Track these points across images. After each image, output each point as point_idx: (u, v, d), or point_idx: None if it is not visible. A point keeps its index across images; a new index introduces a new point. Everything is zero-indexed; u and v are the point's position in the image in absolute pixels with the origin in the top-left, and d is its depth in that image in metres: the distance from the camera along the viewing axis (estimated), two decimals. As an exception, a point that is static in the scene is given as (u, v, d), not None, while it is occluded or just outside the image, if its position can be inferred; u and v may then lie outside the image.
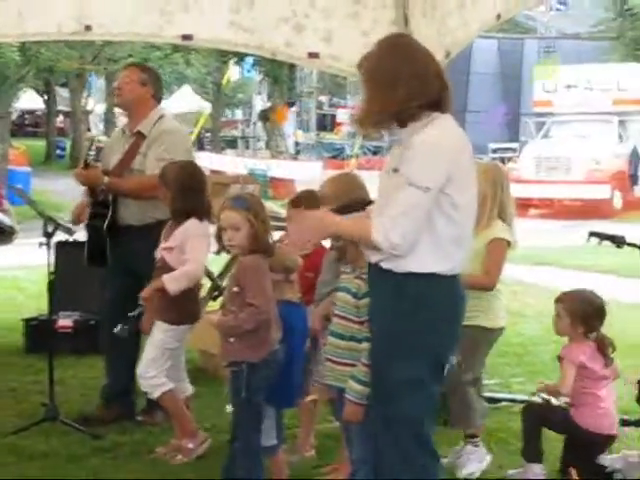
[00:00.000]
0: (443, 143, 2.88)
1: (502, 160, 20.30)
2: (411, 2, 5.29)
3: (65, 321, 6.03)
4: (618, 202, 16.91)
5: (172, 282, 4.19)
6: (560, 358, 4.00)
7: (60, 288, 6.10)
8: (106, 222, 4.62)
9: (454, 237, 2.91)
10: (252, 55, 18.30)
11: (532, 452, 3.98)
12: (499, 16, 4.81)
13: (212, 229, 4.04)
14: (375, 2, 5.41)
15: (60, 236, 4.87)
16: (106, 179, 4.54)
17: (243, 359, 3.55)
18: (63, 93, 31.33)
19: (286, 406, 3.99)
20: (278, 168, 19.07)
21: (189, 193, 4.26)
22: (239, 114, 38.14)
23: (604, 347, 3.96)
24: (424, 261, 2.88)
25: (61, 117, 36.18)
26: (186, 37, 5.67)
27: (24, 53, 17.62)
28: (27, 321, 6.19)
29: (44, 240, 4.58)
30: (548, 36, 27.56)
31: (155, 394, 4.33)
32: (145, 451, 4.45)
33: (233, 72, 28.14)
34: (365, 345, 3.10)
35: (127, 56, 22.60)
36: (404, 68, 2.92)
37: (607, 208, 16.23)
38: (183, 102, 31.20)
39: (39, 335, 5.90)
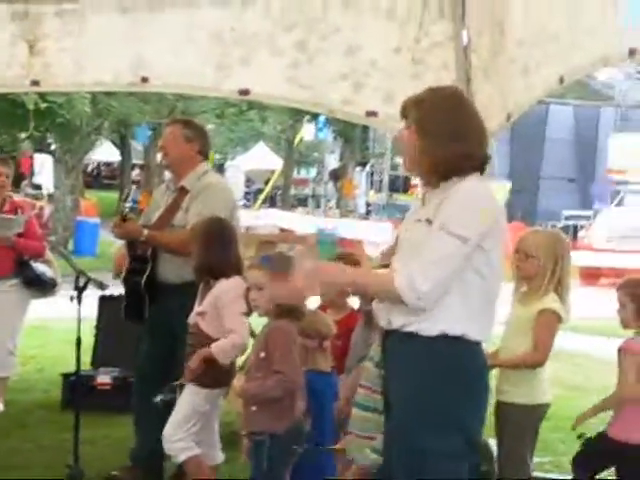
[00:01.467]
0: (485, 195, 2.86)
1: (575, 228, 20.23)
2: (473, 64, 5.22)
3: (104, 378, 6.11)
4: (691, 274, 16.51)
5: (222, 354, 4.17)
6: (621, 351, 3.96)
7: (103, 342, 6.15)
8: (144, 278, 4.63)
9: (485, 298, 2.82)
10: (312, 112, 19.05)
11: None
12: (562, 79, 4.72)
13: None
14: (437, 63, 5.37)
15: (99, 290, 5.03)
16: (145, 232, 4.58)
17: (265, 429, 3.51)
18: (138, 146, 32.61)
19: None
20: (348, 228, 19.01)
21: (214, 248, 4.25)
22: (313, 172, 38.71)
23: None
24: (454, 321, 2.76)
25: (137, 170, 37.58)
26: (243, 92, 5.65)
27: (95, 105, 18.01)
28: (65, 376, 6.18)
29: (75, 294, 4.64)
30: (625, 105, 27.64)
31: (180, 458, 4.29)
32: None
33: (308, 131, 28.24)
34: None
35: (201, 111, 23.18)
36: (463, 123, 2.90)
37: (680, 280, 15.93)
38: (258, 159, 32.83)
39: (77, 391, 5.76)
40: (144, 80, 5.55)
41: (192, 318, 4.37)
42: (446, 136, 2.86)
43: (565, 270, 3.88)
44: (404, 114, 2.96)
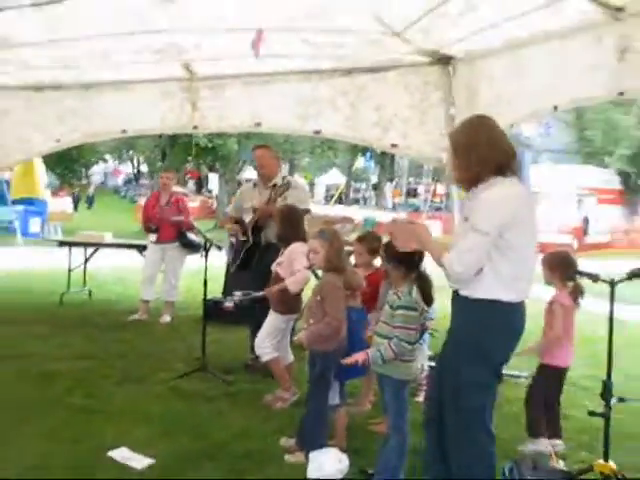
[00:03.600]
0: (502, 197, 3.26)
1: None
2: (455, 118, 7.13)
3: (228, 303, 7.60)
4: None
5: (293, 284, 5.18)
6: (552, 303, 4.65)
7: (228, 280, 7.82)
8: (260, 240, 6.14)
9: (512, 272, 3.27)
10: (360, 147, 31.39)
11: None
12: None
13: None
14: (435, 116, 7.39)
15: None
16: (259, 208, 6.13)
17: (320, 347, 4.29)
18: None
19: (348, 378, 4.67)
20: (381, 216, 26.03)
21: (289, 225, 5.31)
22: (363, 185, 56.03)
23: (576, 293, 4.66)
24: (488, 290, 3.27)
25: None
26: (316, 132, 7.94)
27: (239, 142, 24.98)
28: (205, 301, 7.87)
29: (203, 253, 6.28)
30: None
31: (264, 358, 5.37)
32: (258, 397, 5.48)
33: (360, 161, 42.88)
34: (393, 339, 3.75)
35: (301, 150, 37.93)
36: (477, 137, 3.34)
37: None
38: (332, 178, 51.71)
39: (211, 311, 7.47)
40: (257, 125, 8.11)
41: (274, 266, 5.37)
42: (466, 152, 3.34)
43: None
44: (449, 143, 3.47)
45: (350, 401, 4.97)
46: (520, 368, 5.55)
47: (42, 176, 13.03)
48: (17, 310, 8.77)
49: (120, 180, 61.17)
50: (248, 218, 6.36)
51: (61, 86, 9.49)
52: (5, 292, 10.06)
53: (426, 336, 5.11)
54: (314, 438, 4.26)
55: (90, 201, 40.78)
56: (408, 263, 3.77)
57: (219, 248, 6.52)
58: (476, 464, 3.33)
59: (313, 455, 4.14)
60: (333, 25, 6.22)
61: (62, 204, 25.42)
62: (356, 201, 50.39)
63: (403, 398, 3.97)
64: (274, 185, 6.18)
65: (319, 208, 25.30)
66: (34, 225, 19.50)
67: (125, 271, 11.65)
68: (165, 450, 4.39)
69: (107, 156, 54.36)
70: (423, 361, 4.99)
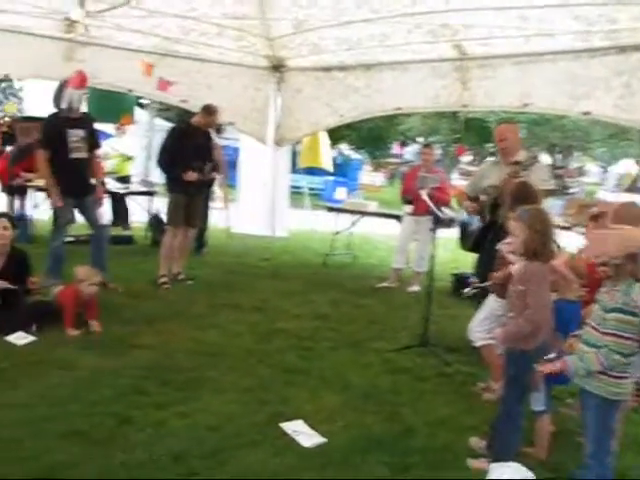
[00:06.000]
0: None
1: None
2: None
3: (473, 278, 6.60)
4: None
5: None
6: None
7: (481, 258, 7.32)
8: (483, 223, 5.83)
9: None
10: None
11: None
12: None
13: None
14: None
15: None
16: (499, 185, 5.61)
17: (516, 346, 3.73)
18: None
19: (558, 383, 4.10)
20: None
21: (519, 204, 4.23)
22: None
23: None
24: None
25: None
26: (586, 113, 7.60)
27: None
28: (453, 275, 8.66)
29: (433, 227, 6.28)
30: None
31: (477, 343, 4.94)
32: (471, 383, 5.17)
33: None
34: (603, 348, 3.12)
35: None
36: None
37: None
38: (625, 166, 40.94)
39: (458, 284, 8.03)
40: (525, 105, 7.99)
41: (500, 246, 4.79)
42: None
43: None
44: None
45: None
46: None
47: (326, 148, 14.05)
48: (284, 267, 9.57)
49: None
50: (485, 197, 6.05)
51: (346, 67, 10.18)
52: (283, 251, 10.94)
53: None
54: (502, 447, 3.77)
55: (393, 177, 42.44)
56: (634, 257, 3.08)
57: (452, 223, 6.53)
58: None
59: (493, 467, 3.66)
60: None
61: (373, 178, 29.82)
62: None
63: (607, 422, 3.29)
64: (516, 162, 5.78)
65: (608, 195, 23.74)
66: (340, 193, 22.21)
67: (389, 239, 11.94)
68: (345, 428, 4.18)
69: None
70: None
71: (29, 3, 8.10)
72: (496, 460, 3.68)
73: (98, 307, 5.90)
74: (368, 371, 5.29)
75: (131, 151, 12.46)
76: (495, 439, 3.84)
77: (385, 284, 8.69)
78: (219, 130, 11.58)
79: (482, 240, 5.79)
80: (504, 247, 4.59)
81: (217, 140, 9.60)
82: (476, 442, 4.12)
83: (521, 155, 5.87)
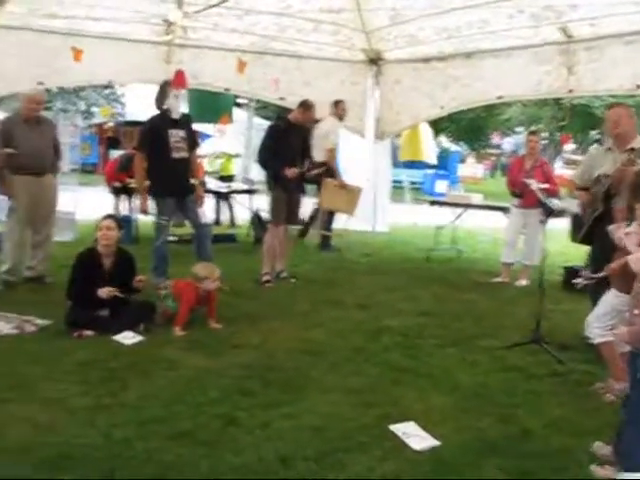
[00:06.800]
0: None
1: None
2: None
3: (586, 271, 6.24)
4: None
5: (637, 262, 4.19)
6: None
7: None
8: (596, 213, 5.46)
9: None
10: None
11: None
12: None
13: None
14: None
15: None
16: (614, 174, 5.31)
17: None
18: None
19: None
20: None
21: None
22: None
23: None
24: None
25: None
26: None
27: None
28: (565, 268, 8.35)
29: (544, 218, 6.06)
30: None
31: (596, 340, 4.66)
32: (587, 382, 4.84)
33: None
34: None
35: None
36: None
37: None
38: None
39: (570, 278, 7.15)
40: (638, 87, 7.61)
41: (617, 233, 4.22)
42: None
43: None
44: None
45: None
46: None
47: (428, 141, 13.77)
48: (386, 262, 9.46)
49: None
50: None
51: (445, 56, 9.94)
52: (385, 246, 10.82)
53: None
54: (631, 455, 3.35)
55: (495, 169, 41.54)
56: None
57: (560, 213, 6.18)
58: None
59: (621, 476, 3.35)
60: None
61: (473, 170, 29.41)
62: None
63: None
64: (632, 149, 5.43)
65: None
66: (440, 186, 22.36)
67: (495, 232, 11.66)
68: (457, 430, 3.96)
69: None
70: None
71: (127, 9, 8.27)
72: (624, 469, 3.35)
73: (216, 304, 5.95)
74: (477, 370, 5.07)
75: (235, 150, 12.63)
76: (622, 446, 3.47)
77: (498, 279, 8.43)
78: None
79: (595, 231, 5.44)
80: (621, 234, 4.06)
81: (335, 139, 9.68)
82: (600, 447, 3.77)
83: (637, 141, 5.49)
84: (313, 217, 10.35)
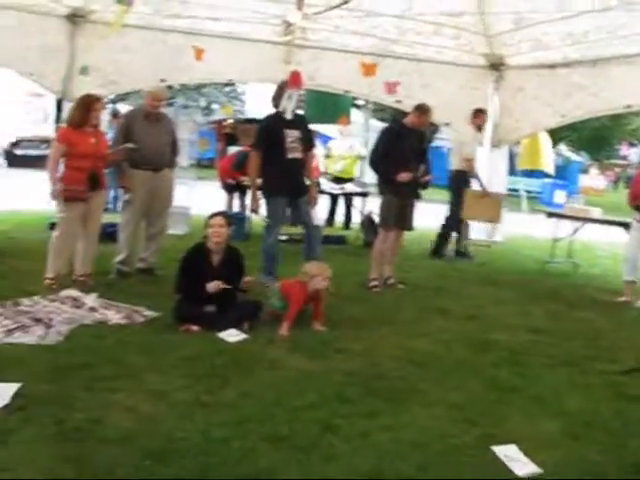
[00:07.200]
0: None
1: None
2: None
3: None
4: None
5: None
6: None
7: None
8: None
9: None
10: None
11: None
12: None
13: None
14: None
15: None
16: None
17: None
18: None
19: None
20: None
21: None
22: None
23: None
24: None
25: None
26: None
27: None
28: None
29: None
30: None
31: None
32: None
33: None
34: None
35: None
36: None
37: None
38: None
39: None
40: None
41: None
42: None
43: None
44: None
45: None
46: None
47: (548, 149, 13.31)
48: (499, 273, 9.18)
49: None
50: None
51: (570, 63, 9.55)
52: (499, 256, 10.58)
53: None
54: None
55: (618, 180, 39.76)
56: None
57: None
58: None
59: None
60: None
61: (595, 181, 29.42)
62: None
63: None
64: None
65: None
66: (559, 197, 21.61)
67: (614, 247, 11.20)
68: (563, 459, 3.70)
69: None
70: None
71: (248, 9, 8.39)
72: None
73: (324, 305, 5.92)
74: (590, 395, 4.73)
75: (360, 151, 12.60)
76: None
77: (623, 299, 7.97)
78: (434, 130, 11.47)
79: None
80: None
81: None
82: None
83: None
84: (442, 235, 10.05)
